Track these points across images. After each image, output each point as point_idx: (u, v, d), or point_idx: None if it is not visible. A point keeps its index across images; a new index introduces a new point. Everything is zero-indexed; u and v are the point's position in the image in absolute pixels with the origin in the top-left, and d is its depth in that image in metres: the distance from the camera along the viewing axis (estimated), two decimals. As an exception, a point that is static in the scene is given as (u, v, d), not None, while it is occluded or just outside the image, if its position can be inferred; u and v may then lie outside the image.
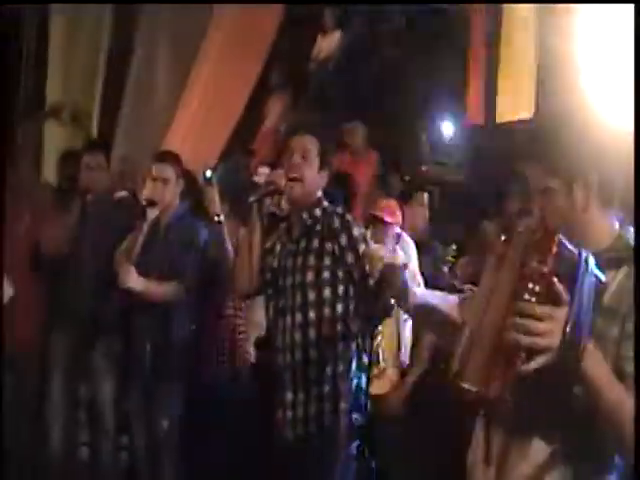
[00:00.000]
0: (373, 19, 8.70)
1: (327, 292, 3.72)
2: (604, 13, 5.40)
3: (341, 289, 3.72)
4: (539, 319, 1.90)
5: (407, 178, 7.01)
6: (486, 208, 5.77)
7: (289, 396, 3.75)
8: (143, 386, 4.91)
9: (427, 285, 4.68)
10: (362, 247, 3.65)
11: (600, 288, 1.99)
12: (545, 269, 1.92)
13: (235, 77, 8.18)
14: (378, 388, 4.43)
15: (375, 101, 8.35)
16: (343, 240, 3.71)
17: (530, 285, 1.93)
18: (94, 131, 8.41)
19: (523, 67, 6.54)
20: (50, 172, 7.28)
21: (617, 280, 2.09)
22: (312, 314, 3.72)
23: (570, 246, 1.96)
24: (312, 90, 8.86)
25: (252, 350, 5.14)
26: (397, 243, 4.77)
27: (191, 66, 8.32)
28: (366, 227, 4.00)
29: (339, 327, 3.70)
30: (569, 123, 2.21)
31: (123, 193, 5.61)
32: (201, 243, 4.95)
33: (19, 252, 5.38)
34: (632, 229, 2.21)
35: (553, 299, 1.92)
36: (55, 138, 8.10)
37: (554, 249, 1.94)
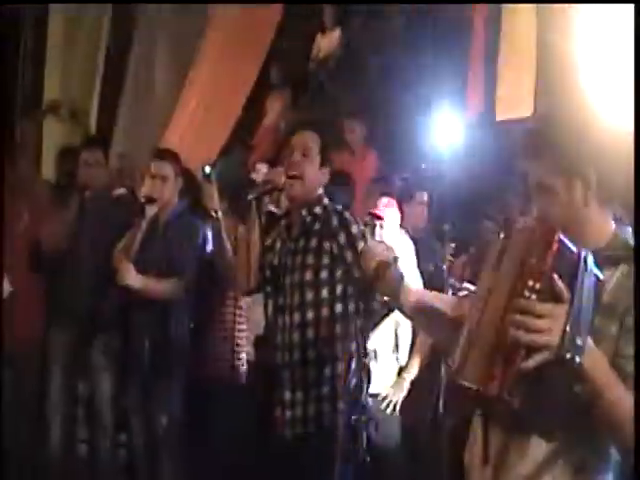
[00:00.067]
0: (373, 18, 8.70)
1: (325, 292, 3.70)
2: (604, 13, 5.39)
3: (339, 289, 3.70)
4: (539, 316, 1.90)
5: (406, 176, 6.99)
6: (485, 207, 5.76)
7: (287, 395, 3.74)
8: (141, 383, 4.91)
9: (426, 284, 4.68)
10: (361, 245, 3.62)
11: (598, 286, 1.99)
12: (545, 266, 1.92)
13: (234, 76, 8.19)
14: (377, 387, 4.41)
15: (374, 100, 8.35)
16: (342, 238, 3.70)
17: (530, 282, 1.93)
18: (92, 128, 8.41)
19: (523, 66, 6.53)
20: (48, 169, 7.28)
21: (615, 278, 2.10)
22: (310, 314, 3.70)
23: (570, 244, 1.96)
24: (311, 89, 8.86)
25: (251, 348, 5.14)
26: (395, 241, 4.75)
27: (190, 64, 8.33)
28: (365, 225, 3.98)
29: (338, 327, 3.68)
30: (568, 122, 2.22)
31: (121, 190, 5.62)
32: (200, 241, 4.95)
33: (18, 249, 5.38)
34: (629, 228, 2.22)
35: (553, 297, 1.92)
36: (53, 135, 8.11)
37: (554, 247, 1.94)
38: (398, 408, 4.75)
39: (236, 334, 5.08)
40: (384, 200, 4.98)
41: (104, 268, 4.93)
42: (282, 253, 3.87)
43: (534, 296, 1.92)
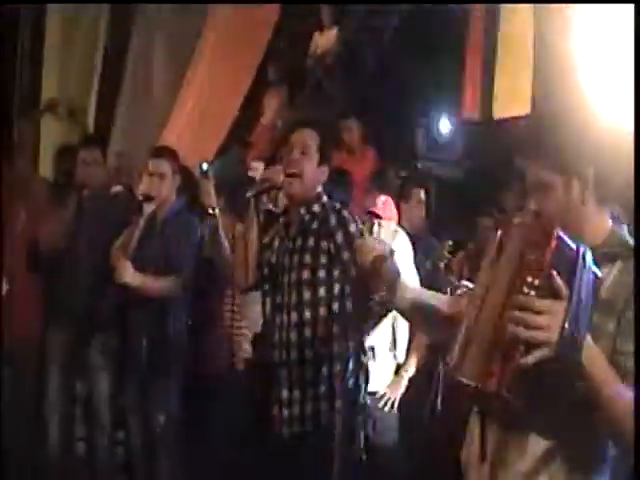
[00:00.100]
0: (370, 16, 8.69)
1: (322, 291, 3.68)
2: (603, 12, 5.39)
3: (337, 288, 3.68)
4: (538, 312, 1.90)
5: (403, 174, 6.99)
6: (483, 204, 5.77)
7: (285, 394, 3.72)
8: (139, 381, 4.91)
9: (423, 281, 4.68)
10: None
11: (596, 283, 1.99)
12: (545, 263, 1.92)
13: (231, 74, 8.17)
14: (374, 385, 4.42)
15: (372, 98, 8.34)
16: (339, 238, 3.68)
17: (529, 279, 1.93)
18: (90, 127, 8.40)
19: (520, 63, 6.52)
20: (46, 167, 7.27)
21: (612, 275, 2.11)
22: (308, 313, 3.69)
23: (569, 241, 1.96)
24: (309, 87, 8.85)
25: (249, 347, 5.13)
26: (393, 239, 4.75)
27: (187, 63, 8.32)
28: (362, 223, 3.97)
29: (335, 327, 3.65)
30: (566, 120, 2.22)
31: (118, 188, 5.61)
32: (197, 238, 4.95)
33: (16, 248, 5.38)
34: (625, 226, 2.22)
35: (552, 293, 1.92)
36: (51, 133, 8.10)
37: (553, 243, 1.94)
38: (396, 406, 4.76)
39: (234, 332, 5.08)
40: (382, 198, 4.99)
41: (102, 267, 4.93)
42: (280, 251, 3.86)
43: (533, 292, 1.92)
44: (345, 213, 3.76)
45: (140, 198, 4.88)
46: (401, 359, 4.84)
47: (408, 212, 5.67)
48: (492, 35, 6.81)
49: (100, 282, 5.09)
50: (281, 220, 4.01)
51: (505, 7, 6.74)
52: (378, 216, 4.82)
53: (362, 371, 3.69)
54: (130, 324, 4.94)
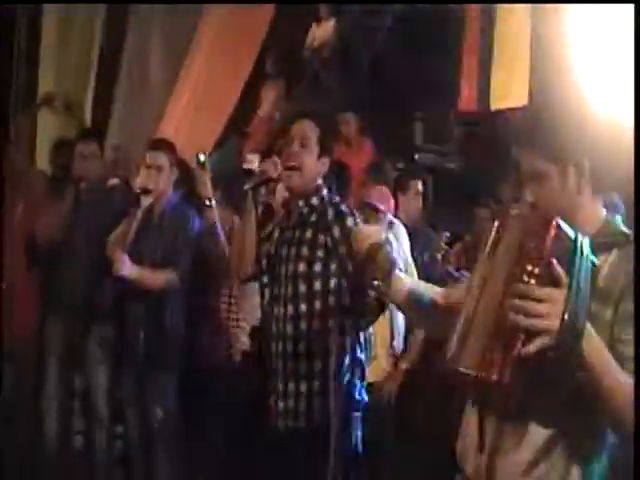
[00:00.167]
0: (366, 15, 8.69)
1: (318, 285, 3.64)
2: (597, 10, 5.39)
3: (333, 282, 3.63)
4: (538, 300, 1.90)
5: (401, 166, 6.99)
6: (480, 195, 5.77)
7: (281, 386, 3.70)
8: (136, 374, 4.91)
9: (421, 273, 4.69)
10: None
11: (594, 272, 2.00)
12: (544, 251, 1.92)
13: (228, 67, 8.17)
14: (372, 376, 4.42)
15: (369, 89, 8.34)
16: (336, 232, 3.64)
17: (529, 267, 1.93)
18: (87, 120, 8.40)
19: (517, 54, 6.53)
20: (44, 161, 7.27)
21: (608, 264, 2.11)
22: (303, 306, 3.65)
23: (567, 229, 1.96)
24: (306, 79, 8.85)
25: (247, 339, 5.13)
26: (390, 231, 4.76)
27: (184, 55, 8.31)
28: (360, 215, 3.96)
29: (331, 321, 3.60)
30: (562, 109, 2.22)
31: (115, 180, 5.61)
32: (194, 231, 4.95)
33: (14, 241, 5.38)
34: (619, 215, 2.23)
35: (552, 281, 1.92)
36: (48, 127, 8.08)
37: (552, 232, 1.94)
38: (393, 398, 4.77)
39: (230, 324, 5.08)
40: (379, 190, 4.99)
41: (99, 259, 4.93)
42: (279, 243, 3.85)
43: (533, 281, 1.92)
44: (343, 207, 3.74)
45: (137, 191, 4.88)
46: (398, 350, 4.85)
47: (405, 204, 5.67)
48: (488, 26, 6.82)
49: (97, 275, 5.10)
50: (281, 211, 3.99)
51: (501, 6, 6.76)
52: (375, 208, 4.83)
53: (358, 367, 3.65)
54: (127, 317, 4.94)
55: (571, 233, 1.97)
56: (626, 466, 2.09)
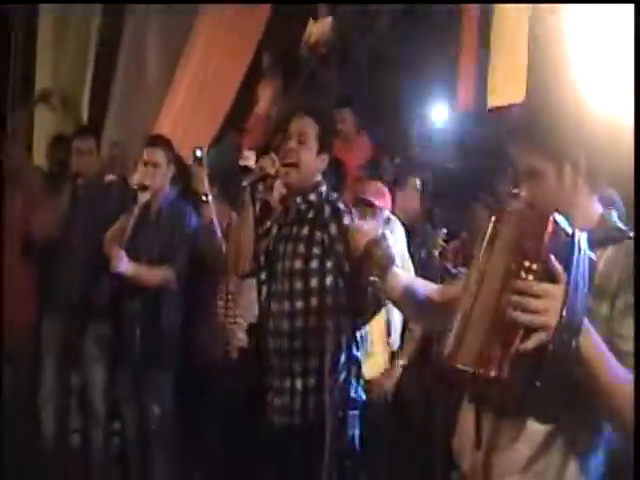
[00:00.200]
0: (366, 9, 8.69)
1: (315, 282, 3.63)
2: (595, 10, 5.39)
3: (329, 280, 3.62)
4: (536, 296, 1.89)
5: (398, 162, 6.99)
6: (477, 192, 5.77)
7: (276, 383, 3.71)
8: (133, 372, 4.91)
9: (418, 270, 4.69)
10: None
11: (592, 267, 2.00)
12: (542, 247, 1.92)
13: (225, 63, 8.17)
14: (368, 373, 4.42)
15: (367, 86, 8.34)
16: (333, 229, 3.64)
17: (527, 263, 1.92)
18: (84, 116, 8.40)
19: (515, 52, 6.53)
20: (41, 157, 7.27)
21: (604, 260, 2.11)
22: (299, 303, 3.65)
23: (565, 225, 1.96)
24: (303, 75, 8.84)
25: (244, 335, 5.13)
26: (386, 226, 4.76)
27: (181, 52, 8.31)
28: (356, 212, 3.95)
29: (327, 319, 3.56)
30: (559, 107, 2.23)
31: (111, 177, 5.61)
32: (191, 227, 4.95)
33: (11, 237, 5.37)
34: (615, 212, 2.23)
35: (550, 277, 1.91)
36: (45, 123, 8.09)
37: (550, 228, 1.94)
38: (390, 394, 4.77)
39: (227, 320, 5.08)
40: (376, 186, 4.99)
41: (96, 256, 4.93)
42: (276, 239, 3.84)
43: (531, 277, 1.91)
44: (340, 205, 3.72)
45: (135, 187, 4.87)
46: (395, 347, 4.85)
47: (403, 200, 5.67)
48: (486, 23, 6.82)
49: (94, 271, 5.10)
50: (279, 207, 3.99)
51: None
52: (371, 204, 4.82)
53: (354, 365, 3.63)
54: (124, 314, 4.94)
55: (568, 229, 1.97)
56: (624, 462, 2.09)
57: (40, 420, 5.35)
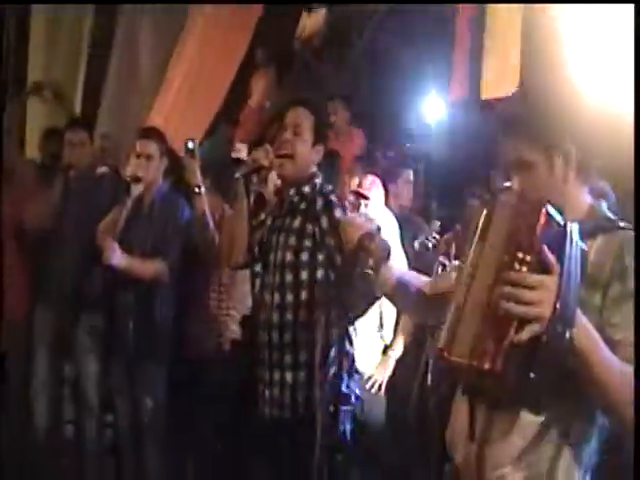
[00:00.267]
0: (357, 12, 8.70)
1: (305, 275, 3.63)
2: (599, 8, 5.39)
3: (320, 273, 3.62)
4: (530, 288, 1.90)
5: (391, 155, 6.99)
6: (470, 184, 5.77)
7: (267, 375, 3.70)
8: (126, 364, 4.90)
9: (411, 262, 4.69)
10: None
11: (584, 258, 2.00)
12: (535, 238, 1.92)
13: (219, 55, 8.15)
14: (362, 366, 4.41)
15: (360, 78, 8.33)
16: (324, 222, 3.64)
17: (520, 255, 1.93)
18: (77, 109, 8.37)
19: (509, 43, 6.53)
20: (33, 149, 7.26)
21: (594, 250, 2.12)
22: (290, 296, 3.65)
23: (557, 216, 1.97)
24: (297, 68, 8.83)
25: (237, 327, 5.13)
26: (379, 219, 4.75)
27: (174, 44, 8.29)
28: (349, 205, 3.94)
29: (317, 312, 3.56)
30: (550, 98, 2.23)
31: (104, 169, 5.60)
32: (184, 219, 4.94)
33: (3, 229, 5.36)
34: (604, 202, 2.24)
35: (543, 268, 1.92)
36: (38, 116, 8.07)
37: (542, 219, 1.94)
38: (384, 387, 4.76)
39: (220, 312, 5.07)
40: (369, 179, 4.98)
41: (89, 248, 4.92)
42: (270, 230, 3.83)
43: (524, 268, 1.92)
44: (332, 197, 3.72)
45: (127, 179, 4.87)
46: (388, 340, 4.84)
47: (395, 192, 5.67)
48: (480, 15, 6.82)
49: (87, 263, 5.09)
50: (274, 199, 3.98)
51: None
52: (365, 197, 4.82)
53: (345, 360, 3.59)
54: (116, 306, 4.93)
55: (561, 220, 1.97)
56: (618, 450, 2.10)
57: (33, 411, 5.34)
